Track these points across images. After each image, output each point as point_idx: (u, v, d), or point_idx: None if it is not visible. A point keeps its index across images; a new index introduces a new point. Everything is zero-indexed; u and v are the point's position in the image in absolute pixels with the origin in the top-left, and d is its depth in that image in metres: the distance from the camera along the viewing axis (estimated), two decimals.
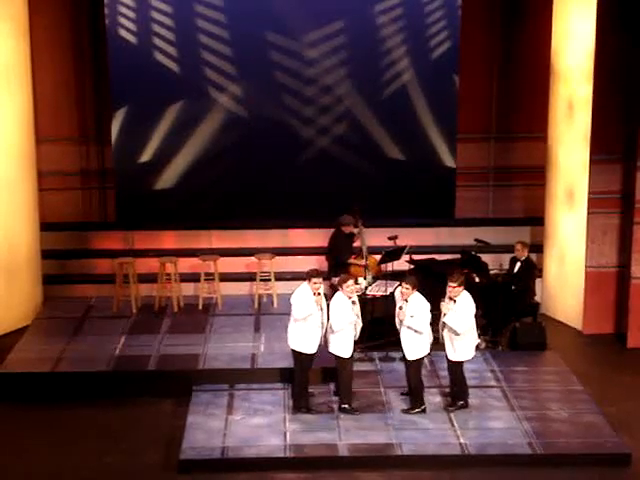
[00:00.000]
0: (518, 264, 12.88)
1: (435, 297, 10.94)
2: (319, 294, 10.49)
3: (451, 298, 10.50)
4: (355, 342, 10.75)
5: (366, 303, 11.97)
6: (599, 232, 12.95)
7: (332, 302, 10.56)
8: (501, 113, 15.06)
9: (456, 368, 10.67)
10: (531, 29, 14.62)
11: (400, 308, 10.49)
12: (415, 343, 10.49)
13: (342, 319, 10.44)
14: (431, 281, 12.08)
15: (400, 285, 10.66)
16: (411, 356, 10.52)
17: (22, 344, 12.43)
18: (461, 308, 10.47)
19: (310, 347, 10.56)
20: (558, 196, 13.72)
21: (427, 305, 10.51)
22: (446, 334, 10.57)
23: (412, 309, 10.42)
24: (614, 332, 13.12)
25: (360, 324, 10.69)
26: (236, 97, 15.64)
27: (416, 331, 10.42)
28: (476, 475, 9.69)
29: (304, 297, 10.50)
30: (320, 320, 10.53)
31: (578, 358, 12.48)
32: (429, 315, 10.51)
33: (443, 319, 10.49)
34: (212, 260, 13.77)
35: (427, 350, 10.60)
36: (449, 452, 9.91)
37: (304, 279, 10.67)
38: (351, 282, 10.56)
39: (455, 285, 10.46)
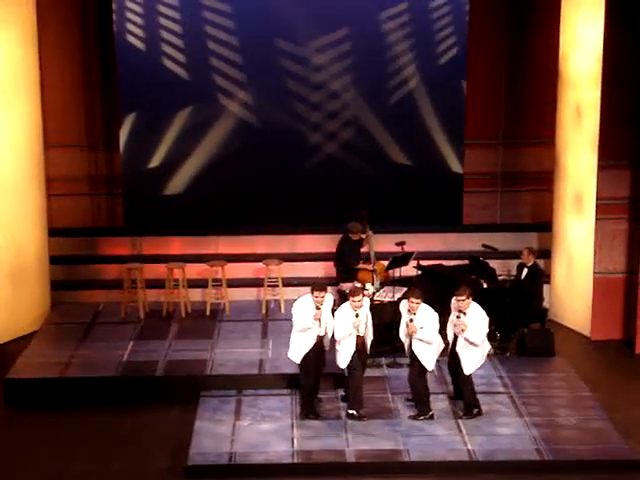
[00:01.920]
0: (525, 270, 12.85)
1: (443, 303, 10.93)
2: (319, 308, 10.47)
3: (461, 311, 10.48)
4: (369, 354, 10.80)
5: (374, 309, 11.94)
6: (607, 238, 12.92)
7: (337, 313, 10.55)
8: (509, 118, 15.04)
9: (467, 378, 10.66)
10: (539, 34, 14.61)
11: (411, 321, 10.46)
12: (429, 353, 10.49)
13: (343, 329, 10.44)
14: (439, 287, 12.07)
15: (407, 299, 10.61)
16: (430, 366, 10.51)
17: (30, 349, 12.45)
18: (474, 320, 10.47)
19: (297, 356, 10.58)
20: (566, 202, 13.69)
21: (436, 315, 10.50)
22: (460, 348, 10.56)
23: (421, 320, 10.41)
24: (622, 338, 13.08)
25: (371, 337, 10.70)
26: (244, 103, 15.65)
27: (427, 342, 10.42)
28: None
29: (304, 309, 10.50)
30: (317, 333, 10.52)
31: (586, 364, 12.45)
32: (438, 325, 10.51)
33: (464, 335, 10.47)
34: (220, 266, 13.78)
35: (437, 357, 10.62)
36: (457, 458, 9.89)
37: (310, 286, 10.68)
38: (359, 298, 10.48)
39: (464, 298, 10.45)
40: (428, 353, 10.47)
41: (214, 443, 10.13)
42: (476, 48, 14.85)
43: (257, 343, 12.63)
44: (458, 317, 10.49)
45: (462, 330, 10.46)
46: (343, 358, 10.56)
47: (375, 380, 11.52)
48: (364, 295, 10.78)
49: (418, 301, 10.42)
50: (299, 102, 15.64)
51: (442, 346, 10.68)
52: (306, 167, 15.72)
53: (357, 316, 10.42)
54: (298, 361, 10.63)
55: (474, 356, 10.56)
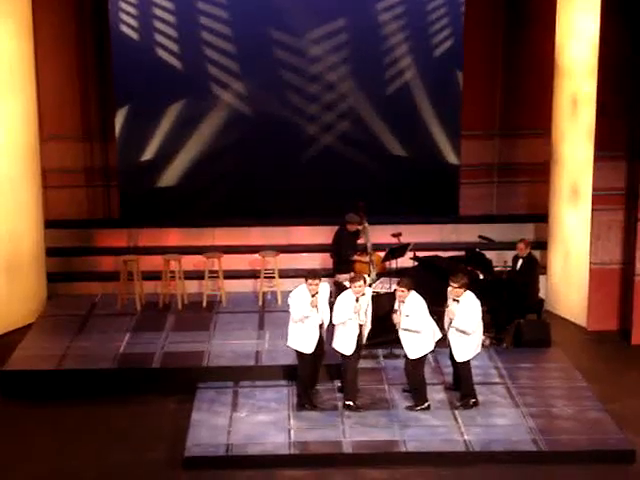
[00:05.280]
0: (520, 261, 12.86)
1: (439, 294, 10.94)
2: (315, 295, 10.46)
3: (454, 299, 10.50)
4: (364, 344, 10.76)
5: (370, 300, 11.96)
6: (603, 229, 12.94)
7: (338, 298, 10.56)
8: (505, 109, 15.03)
9: (464, 367, 10.68)
10: (535, 25, 14.59)
11: (395, 312, 10.49)
12: (415, 342, 10.49)
13: (342, 313, 10.43)
14: (435, 278, 12.08)
15: (396, 289, 10.64)
16: (412, 355, 10.51)
17: (26, 342, 12.44)
18: (466, 308, 10.47)
19: (307, 347, 10.56)
20: (562, 193, 13.70)
21: (423, 304, 10.48)
22: (452, 336, 10.57)
23: (407, 309, 10.42)
24: (618, 329, 13.10)
25: (369, 327, 10.68)
26: (239, 94, 15.64)
27: (414, 331, 10.43)
28: (480, 472, 9.69)
29: (301, 298, 10.50)
30: (317, 321, 10.53)
31: (582, 355, 12.47)
32: (426, 313, 10.50)
33: (452, 324, 10.48)
34: (216, 257, 13.78)
35: (430, 347, 10.60)
36: (453, 449, 9.91)
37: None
38: (360, 283, 10.48)
39: (457, 286, 10.46)
40: (413, 342, 10.46)
41: (211, 434, 10.14)
42: (472, 39, 14.83)
43: (254, 334, 12.63)
44: (448, 305, 10.51)
45: (450, 319, 10.48)
46: (347, 345, 10.51)
47: (372, 371, 11.53)
48: (365, 282, 10.76)
49: (403, 289, 10.42)
50: (295, 93, 15.65)
51: (438, 336, 10.68)
52: (302, 159, 15.74)
53: (357, 300, 10.42)
54: (310, 350, 10.57)
55: (465, 344, 10.56)
